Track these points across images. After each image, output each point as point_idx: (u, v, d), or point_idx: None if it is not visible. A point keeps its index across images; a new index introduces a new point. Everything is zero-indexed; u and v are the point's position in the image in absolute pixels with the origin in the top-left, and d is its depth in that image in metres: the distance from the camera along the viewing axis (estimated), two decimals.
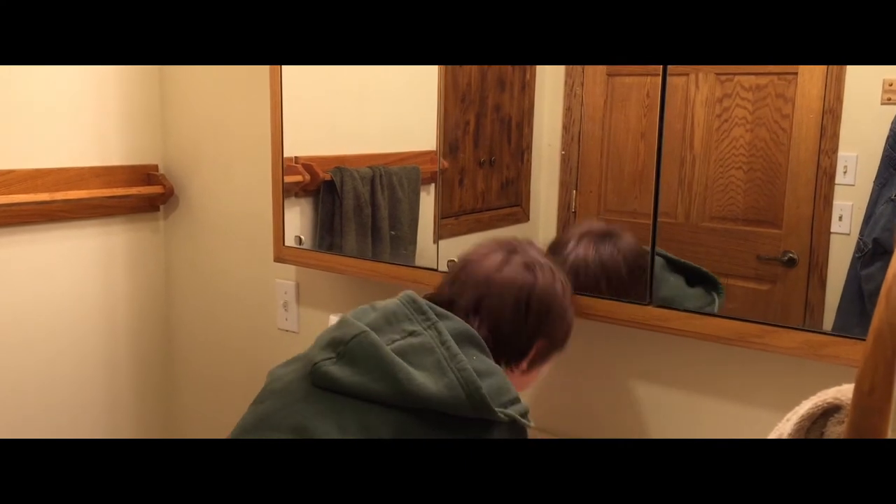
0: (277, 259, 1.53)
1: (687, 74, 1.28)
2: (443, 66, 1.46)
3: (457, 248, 1.39)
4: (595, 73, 1.37)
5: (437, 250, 1.41)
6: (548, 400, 1.37)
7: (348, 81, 1.51)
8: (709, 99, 1.25)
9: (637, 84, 1.31)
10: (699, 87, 1.27)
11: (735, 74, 1.24)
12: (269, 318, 1.67)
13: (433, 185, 1.47)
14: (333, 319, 1.40)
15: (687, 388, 1.22)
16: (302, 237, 1.54)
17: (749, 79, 1.22)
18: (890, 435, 0.42)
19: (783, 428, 0.69)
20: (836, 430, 0.64)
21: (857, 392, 0.42)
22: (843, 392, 0.65)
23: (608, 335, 1.29)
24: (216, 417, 1.80)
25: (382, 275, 1.42)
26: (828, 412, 0.65)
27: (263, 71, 1.58)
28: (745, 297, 1.19)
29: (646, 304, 1.18)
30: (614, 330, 1.26)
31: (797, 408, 0.68)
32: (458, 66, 1.42)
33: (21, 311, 1.55)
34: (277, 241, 1.53)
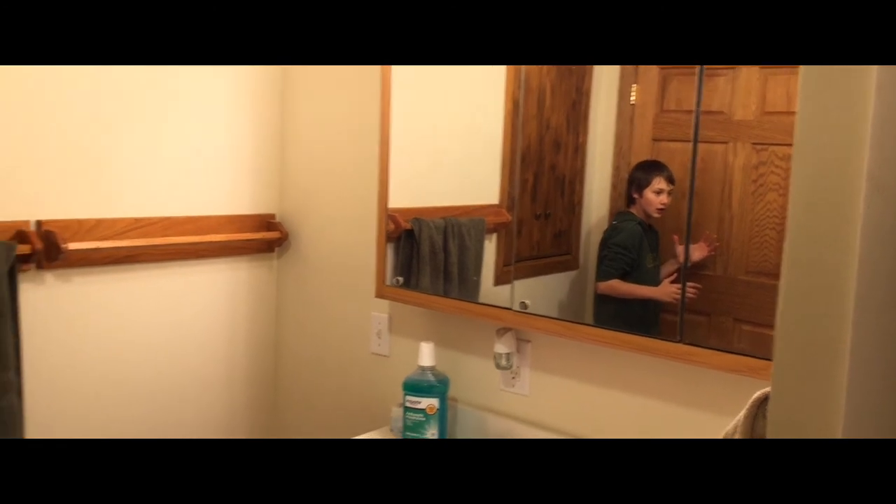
0: (378, 295, 1.76)
1: (726, 143, 1.41)
2: (507, 131, 1.66)
3: (519, 291, 1.57)
4: (642, 139, 1.52)
5: (511, 290, 1.57)
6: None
7: (425, 144, 1.73)
8: (745, 165, 1.36)
9: (680, 149, 1.45)
10: (737, 154, 1.39)
11: (770, 145, 1.35)
12: (363, 343, 1.93)
13: (495, 234, 1.66)
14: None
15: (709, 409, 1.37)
16: (400, 279, 1.75)
17: (783, 149, 1.33)
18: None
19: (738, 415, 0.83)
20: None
21: None
22: None
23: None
24: (316, 428, 2.06)
25: (466, 311, 1.62)
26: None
27: (368, 133, 1.86)
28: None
29: (677, 342, 1.36)
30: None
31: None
32: (519, 132, 1.61)
33: (168, 328, 1.88)
34: (379, 280, 1.76)
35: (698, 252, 1.37)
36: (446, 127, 1.72)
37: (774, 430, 0.58)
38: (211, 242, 1.92)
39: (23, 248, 1.54)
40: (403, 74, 1.71)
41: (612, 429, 1.51)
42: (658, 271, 1.43)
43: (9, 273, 1.51)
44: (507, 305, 1.56)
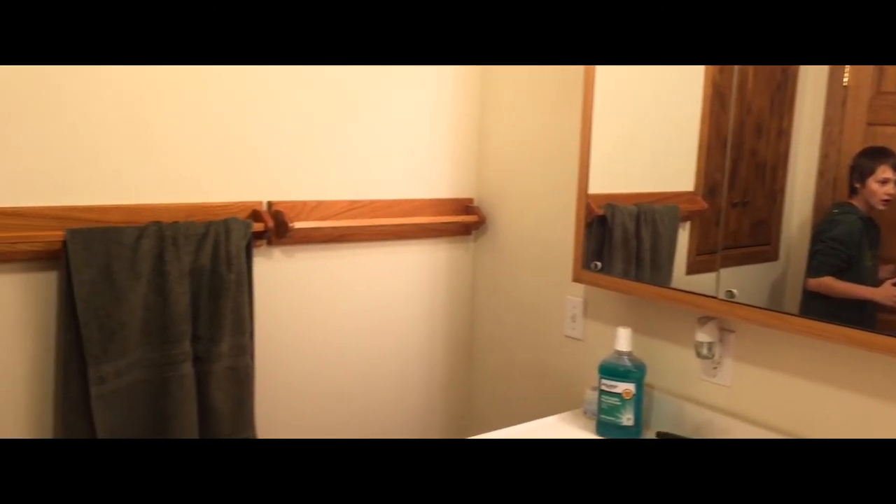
0: (576, 280, 1.80)
1: None
2: (705, 115, 1.63)
3: (710, 281, 1.56)
4: (855, 123, 1.44)
5: (717, 278, 1.55)
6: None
7: (620, 129, 1.74)
8: None
9: None
10: None
11: None
12: (557, 326, 1.99)
13: (689, 222, 1.64)
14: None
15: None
16: (598, 263, 1.77)
17: None
18: None
19: None
20: None
21: None
22: None
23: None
24: (508, 407, 2.16)
25: (669, 298, 1.61)
26: None
27: (568, 117, 1.91)
28: None
29: None
30: None
31: None
32: (721, 115, 1.58)
33: (374, 302, 2.06)
34: (577, 264, 1.80)
35: None
36: (642, 111, 1.72)
37: None
38: (414, 224, 2.06)
39: (257, 226, 1.75)
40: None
41: (819, 426, 1.46)
42: (877, 270, 1.33)
43: (246, 248, 1.73)
44: (712, 294, 1.55)
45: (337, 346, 2.01)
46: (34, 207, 1.52)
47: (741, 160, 1.56)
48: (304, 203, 1.87)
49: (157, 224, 1.61)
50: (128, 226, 1.59)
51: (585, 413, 1.75)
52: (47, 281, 1.57)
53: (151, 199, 1.66)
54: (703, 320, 1.57)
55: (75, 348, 1.54)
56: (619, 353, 1.64)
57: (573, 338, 1.94)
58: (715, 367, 1.61)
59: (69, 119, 1.55)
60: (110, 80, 1.58)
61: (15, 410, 1.56)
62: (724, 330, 1.59)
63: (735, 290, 1.52)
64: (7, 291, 1.53)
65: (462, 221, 2.15)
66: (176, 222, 1.64)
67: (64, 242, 1.52)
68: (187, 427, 1.66)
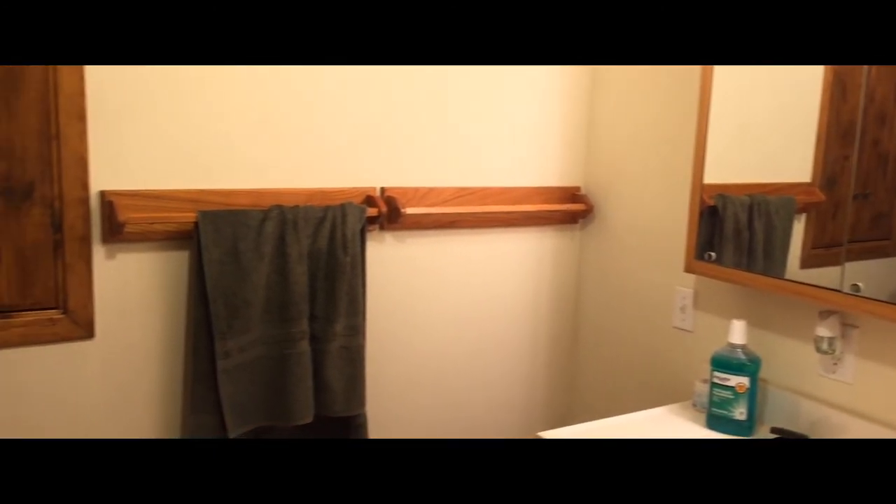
0: (688, 270, 1.78)
1: None
2: (824, 104, 1.57)
3: (835, 274, 1.51)
4: None
5: (841, 272, 1.50)
6: None
7: (734, 118, 1.71)
8: None
9: None
10: None
11: None
12: (665, 317, 1.97)
13: (805, 215, 1.59)
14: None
15: None
16: (713, 254, 1.74)
17: None
18: None
19: None
20: None
21: None
22: None
23: None
24: (612, 396, 2.16)
25: (789, 291, 1.57)
26: None
27: (682, 106, 1.88)
28: None
29: None
30: None
31: None
32: (841, 104, 1.53)
33: (480, 289, 2.09)
34: (689, 255, 1.78)
35: None
36: (758, 100, 1.68)
37: None
38: (521, 212, 2.08)
39: (371, 211, 1.81)
40: None
41: None
42: None
43: (361, 231, 1.79)
44: (835, 287, 1.50)
45: (443, 329, 2.06)
46: (170, 190, 1.62)
47: (862, 151, 1.51)
48: (416, 189, 1.92)
49: (280, 207, 1.69)
50: (253, 209, 1.68)
51: (695, 405, 1.73)
52: (179, 260, 1.67)
53: (275, 184, 1.75)
54: (825, 314, 1.53)
55: (204, 324, 1.64)
56: (733, 346, 1.61)
57: (682, 329, 1.92)
58: (835, 363, 1.57)
59: (203, 111, 1.64)
60: (241, 76, 1.67)
61: (149, 380, 1.68)
62: (846, 325, 1.54)
63: (861, 284, 1.48)
64: (144, 269, 1.64)
65: (569, 210, 2.15)
66: (297, 206, 1.72)
67: (196, 223, 1.61)
68: (303, 402, 1.74)
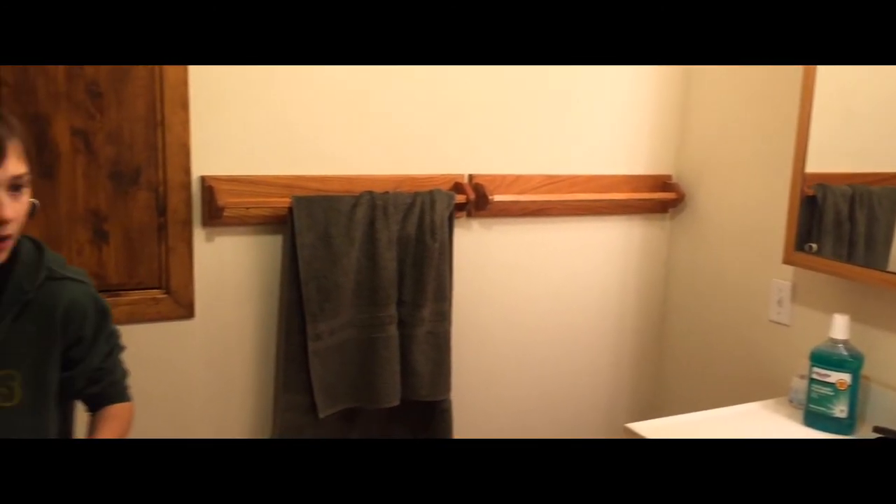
0: (787, 262, 1.73)
1: None
2: None
3: None
4: None
5: None
6: None
7: (835, 105, 1.63)
8: None
9: None
10: None
11: None
12: (761, 310, 1.90)
13: None
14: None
15: None
16: (814, 245, 1.68)
17: None
18: None
19: None
20: None
21: None
22: None
23: None
24: (703, 390, 2.10)
25: (893, 284, 1.51)
26: None
27: (780, 93, 1.81)
28: None
29: None
30: None
31: None
32: None
33: (567, 277, 2.07)
34: (789, 246, 1.72)
35: None
36: (863, 89, 1.60)
37: None
38: (609, 200, 2.05)
39: (459, 198, 1.82)
40: None
41: None
42: None
43: (448, 218, 1.80)
44: None
45: (529, 317, 2.05)
46: (266, 176, 1.67)
47: None
48: (504, 177, 1.92)
49: (370, 193, 1.72)
50: (345, 194, 1.71)
51: (791, 402, 1.68)
52: (274, 244, 1.72)
53: (366, 171, 1.78)
54: None
55: (296, 306, 1.69)
56: (835, 341, 1.55)
57: (779, 323, 1.85)
58: None
59: (298, 100, 1.69)
60: (333, 68, 1.70)
61: (243, 359, 1.74)
62: None
63: None
64: (240, 252, 1.69)
65: (659, 199, 2.11)
66: (386, 192, 1.74)
67: (290, 208, 1.66)
68: (391, 386, 1.77)
